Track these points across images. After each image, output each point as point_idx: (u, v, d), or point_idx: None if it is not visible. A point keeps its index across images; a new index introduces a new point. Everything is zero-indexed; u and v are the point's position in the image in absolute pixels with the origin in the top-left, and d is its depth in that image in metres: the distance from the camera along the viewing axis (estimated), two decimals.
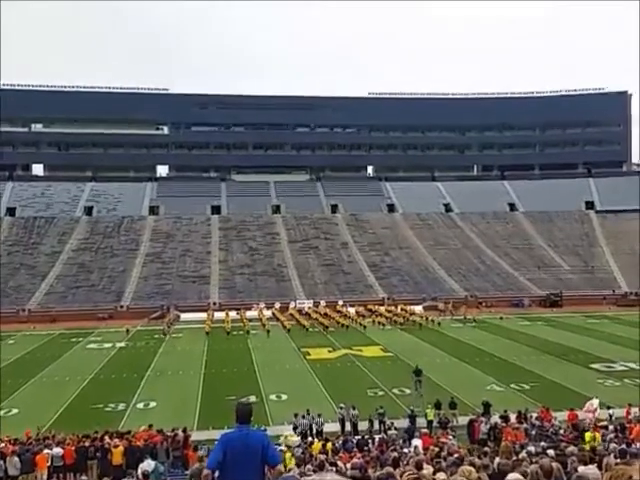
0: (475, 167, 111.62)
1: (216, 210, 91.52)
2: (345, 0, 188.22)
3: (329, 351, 41.15)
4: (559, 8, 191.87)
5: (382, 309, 59.78)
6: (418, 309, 60.16)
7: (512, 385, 30.01)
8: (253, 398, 28.46)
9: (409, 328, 49.93)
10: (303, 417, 23.01)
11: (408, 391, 28.84)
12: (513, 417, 22.98)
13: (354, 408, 24.01)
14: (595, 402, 23.38)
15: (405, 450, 16.96)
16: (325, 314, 56.89)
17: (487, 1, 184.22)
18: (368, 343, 43.79)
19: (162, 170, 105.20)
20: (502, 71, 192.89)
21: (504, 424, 21.77)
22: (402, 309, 59.94)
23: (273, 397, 28.77)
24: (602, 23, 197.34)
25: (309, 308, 61.73)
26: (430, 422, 23.60)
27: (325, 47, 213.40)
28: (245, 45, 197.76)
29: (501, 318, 54.10)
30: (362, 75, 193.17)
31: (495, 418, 22.86)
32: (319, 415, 23.08)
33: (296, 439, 20.66)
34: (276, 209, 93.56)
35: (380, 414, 23.38)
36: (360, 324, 49.77)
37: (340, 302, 63.35)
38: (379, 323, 51.09)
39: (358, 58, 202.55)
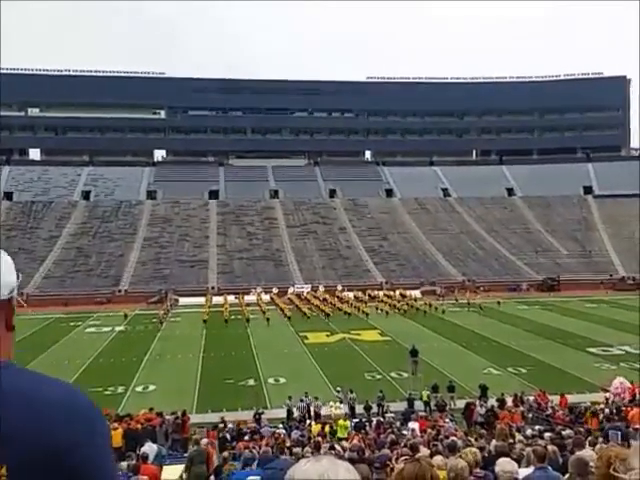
0: (474, 152, 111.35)
1: (214, 195, 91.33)
2: None
3: (327, 335, 41.29)
4: None
5: (380, 294, 59.89)
6: (416, 294, 60.29)
7: (509, 369, 30.19)
8: (252, 382, 28.62)
9: (409, 314, 50.02)
10: (301, 400, 23.13)
11: (406, 375, 29.00)
12: (510, 400, 23.15)
13: (352, 391, 24.13)
14: (619, 381, 23.14)
15: (405, 432, 17.07)
16: (324, 299, 57.02)
17: None
18: (366, 327, 43.88)
19: (159, 154, 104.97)
20: (501, 55, 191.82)
21: (500, 407, 21.93)
22: (401, 294, 60.06)
23: (271, 380, 28.92)
24: (602, 9, 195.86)
25: (308, 293, 61.82)
26: (426, 403, 23.75)
27: (323, 31, 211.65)
28: (242, 29, 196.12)
29: (499, 303, 54.25)
30: (361, 59, 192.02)
31: (492, 401, 23.01)
32: (316, 398, 23.20)
33: (342, 410, 20.89)
34: (274, 194, 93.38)
35: (379, 397, 23.51)
36: (362, 311, 49.51)
37: (339, 287, 63.43)
38: (381, 310, 50.88)
39: (356, 42, 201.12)
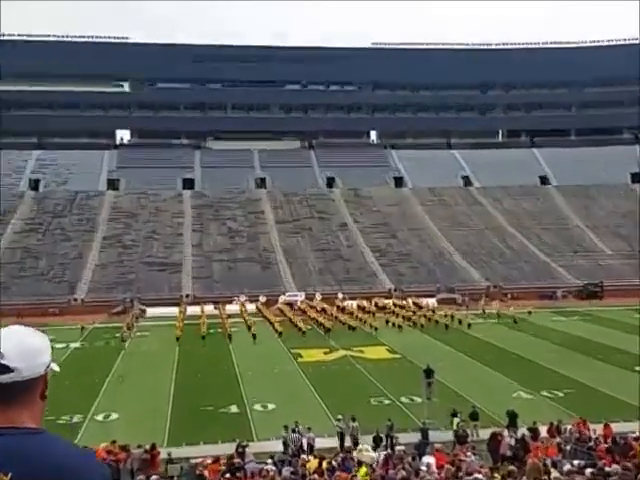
0: (499, 132, 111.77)
1: (188, 184, 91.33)
2: None
3: (325, 352, 41.28)
4: None
5: (390, 303, 59.96)
6: (431, 302, 60.40)
7: (543, 392, 30.23)
8: (234, 408, 28.61)
9: (426, 328, 50.00)
10: (294, 431, 23.11)
11: (419, 399, 28.99)
12: (544, 430, 23.16)
13: (354, 420, 24.13)
14: None
15: (422, 467, 17.08)
16: (323, 310, 57.07)
17: None
18: (371, 343, 43.90)
19: (122, 136, 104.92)
20: (531, 19, 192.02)
21: (533, 438, 21.94)
22: (415, 303, 60.13)
23: (258, 407, 28.91)
24: None
25: (302, 302, 61.85)
26: (457, 434, 23.60)
27: None
28: None
29: (530, 313, 54.36)
30: (365, 22, 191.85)
31: (522, 431, 23.03)
32: (309, 429, 23.21)
33: (373, 455, 20.47)
34: (261, 183, 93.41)
35: (388, 427, 23.50)
36: (370, 325, 49.39)
37: (339, 295, 63.49)
38: (393, 324, 50.69)
39: (360, 2, 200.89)
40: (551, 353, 38.76)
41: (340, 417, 24.83)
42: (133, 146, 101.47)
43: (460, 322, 50.72)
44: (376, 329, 48.24)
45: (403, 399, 29.59)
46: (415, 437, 23.56)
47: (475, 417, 24.86)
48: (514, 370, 34.99)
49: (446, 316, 52.00)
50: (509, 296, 64.66)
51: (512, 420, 24.23)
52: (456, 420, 24.14)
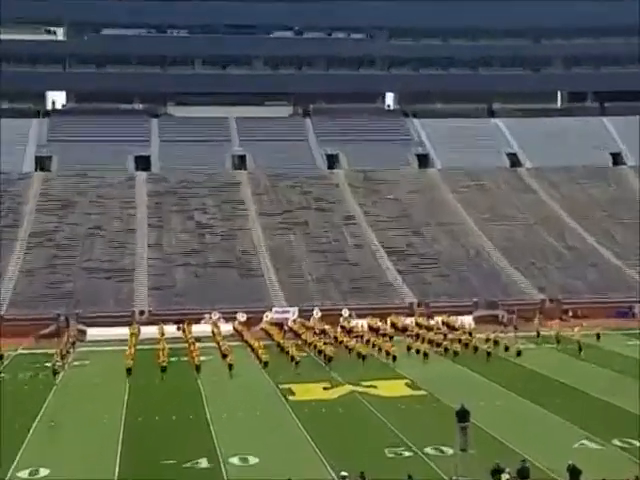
0: (558, 95, 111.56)
1: (143, 164, 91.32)
2: None
3: (325, 388, 41.14)
4: None
5: (411, 322, 59.85)
6: (467, 322, 60.36)
7: (615, 441, 30.15)
8: (204, 462, 28.56)
9: (462, 355, 50.01)
10: None
11: (450, 451, 28.97)
12: None
13: (364, 478, 24.09)
14: None
15: None
16: (322, 332, 56.91)
17: None
18: (387, 376, 43.77)
19: (56, 99, 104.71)
20: None
21: None
22: (444, 323, 59.99)
23: (235, 461, 28.80)
24: None
25: (294, 322, 61.75)
26: None
27: None
28: None
29: (598, 336, 54.24)
30: None
31: None
32: None
33: None
34: (240, 162, 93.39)
35: None
36: (387, 353, 49.17)
37: (345, 311, 63.42)
38: (417, 351, 50.48)
39: None
40: (625, 390, 38.63)
41: (345, 474, 24.76)
42: (69, 113, 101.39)
43: (507, 349, 50.68)
44: (394, 358, 48.13)
45: (428, 450, 29.50)
46: None
47: (525, 474, 24.78)
48: (577, 412, 34.86)
49: (488, 340, 51.98)
50: (570, 313, 64.68)
51: (574, 478, 24.21)
52: (504, 477, 24.08)
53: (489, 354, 49.31)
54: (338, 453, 28.87)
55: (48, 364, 47.54)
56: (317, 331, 57.78)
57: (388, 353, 49.06)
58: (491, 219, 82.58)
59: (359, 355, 48.81)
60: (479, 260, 75.48)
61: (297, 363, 47.16)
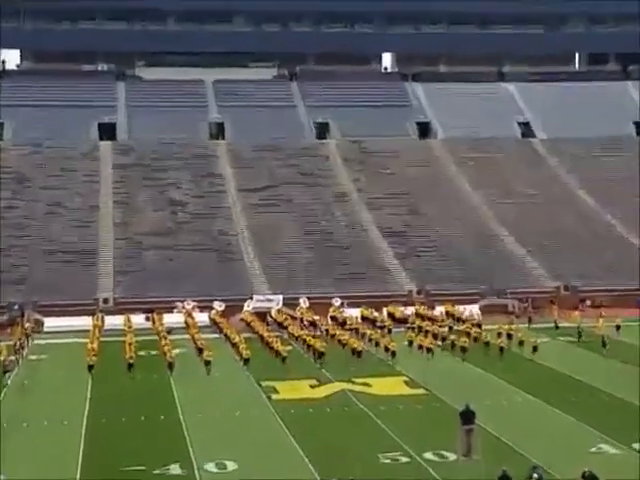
0: (576, 57, 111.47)
1: (108, 132, 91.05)
2: None
3: (312, 386, 41.27)
4: None
5: (411, 313, 59.87)
6: (475, 312, 60.57)
7: (635, 445, 30.33)
8: (176, 468, 28.59)
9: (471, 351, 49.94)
10: None
11: (453, 456, 29.08)
12: None
13: None
14: None
15: None
16: (312, 324, 56.97)
17: None
18: (382, 372, 43.93)
19: (8, 59, 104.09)
20: None
21: None
22: (448, 313, 60.10)
23: (211, 467, 28.84)
24: None
25: (279, 311, 61.85)
26: None
27: None
28: None
29: (618, 327, 54.47)
30: None
31: None
32: None
33: None
34: (217, 131, 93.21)
35: None
36: (386, 348, 48.84)
37: (336, 300, 63.48)
38: (419, 346, 50.22)
39: None
40: None
41: None
42: (24, 74, 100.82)
43: (521, 343, 50.34)
44: (393, 354, 47.78)
45: (428, 455, 29.57)
46: None
47: None
48: (595, 413, 35.02)
49: (500, 334, 51.72)
50: (588, 302, 64.90)
51: None
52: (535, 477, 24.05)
53: (502, 350, 49.22)
54: (327, 458, 28.89)
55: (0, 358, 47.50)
56: (306, 323, 57.83)
57: (387, 349, 48.58)
58: (500, 196, 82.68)
59: (354, 351, 48.47)
60: (486, 243, 75.60)
61: (284, 359, 46.99)
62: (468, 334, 52.39)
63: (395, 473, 26.93)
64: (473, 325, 55.38)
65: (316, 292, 65.81)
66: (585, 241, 75.98)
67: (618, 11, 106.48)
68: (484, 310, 62.34)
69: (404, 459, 29.40)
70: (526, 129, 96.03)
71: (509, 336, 51.72)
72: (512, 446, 30.31)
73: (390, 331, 54.71)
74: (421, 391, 39.85)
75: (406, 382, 41.87)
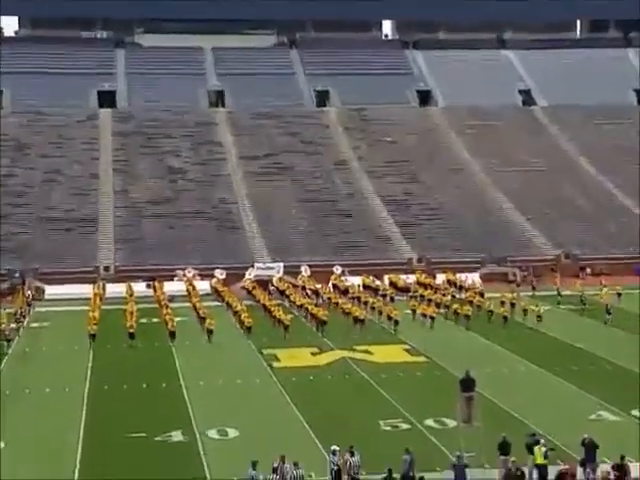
0: (577, 24, 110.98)
1: (107, 100, 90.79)
2: None
3: (313, 353, 41.50)
4: None
5: (413, 281, 59.94)
6: (477, 281, 60.82)
7: (634, 412, 30.47)
8: (178, 435, 28.72)
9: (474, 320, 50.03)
10: (274, 470, 23.02)
11: (453, 423, 29.22)
12: (635, 468, 23.39)
13: (353, 454, 24.26)
14: None
15: None
16: (315, 292, 57.06)
17: None
18: (383, 340, 44.17)
19: (6, 26, 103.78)
20: None
21: (620, 478, 22.17)
22: (450, 282, 60.21)
23: (213, 433, 29.00)
24: None
25: (280, 280, 61.89)
26: (541, 468, 23.56)
27: None
28: None
29: (619, 295, 54.63)
30: None
31: (604, 467, 23.27)
32: (295, 465, 23.31)
33: None
34: (217, 98, 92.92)
35: (407, 462, 23.60)
36: (389, 317, 48.75)
37: (337, 268, 63.55)
38: (423, 315, 50.17)
39: None
40: None
41: (335, 449, 24.97)
42: (22, 41, 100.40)
43: (525, 312, 50.30)
44: (396, 323, 47.74)
45: (429, 422, 29.75)
46: (445, 477, 23.76)
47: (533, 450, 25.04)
48: (595, 381, 35.24)
49: (503, 303, 51.74)
50: (588, 270, 65.04)
51: (590, 453, 24.42)
52: (541, 450, 23.99)
53: (506, 319, 49.25)
54: (327, 425, 29.05)
55: (2, 325, 47.50)
56: (308, 292, 57.87)
57: (389, 317, 48.50)
58: (500, 165, 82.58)
59: (356, 320, 48.27)
60: (487, 211, 75.63)
61: (286, 328, 46.75)
62: (471, 302, 52.50)
63: (395, 440, 27.04)
64: (476, 293, 55.49)
65: (316, 260, 65.89)
66: (585, 209, 76.05)
67: None
68: (484, 278, 62.52)
69: (405, 426, 29.60)
70: (527, 97, 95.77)
71: (512, 305, 51.66)
72: (512, 414, 30.52)
73: (392, 299, 54.77)
74: (422, 359, 40.11)
75: (407, 350, 42.08)
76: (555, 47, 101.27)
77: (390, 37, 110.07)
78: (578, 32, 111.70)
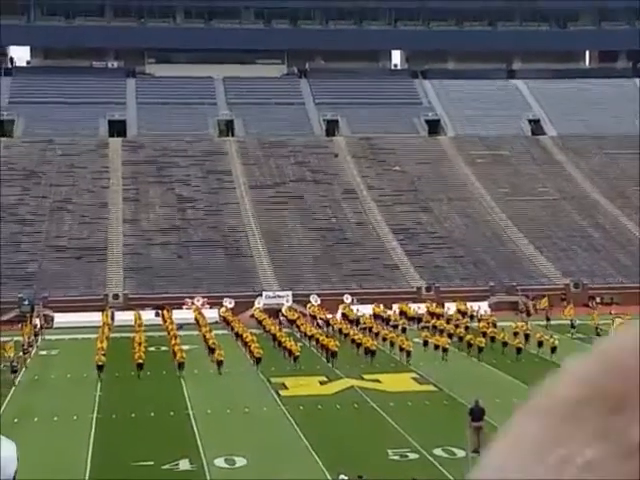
0: (587, 54, 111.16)
1: (118, 129, 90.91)
2: None
3: (321, 382, 41.52)
4: None
5: (423, 311, 59.84)
6: (489, 310, 60.72)
7: None
8: (185, 463, 28.66)
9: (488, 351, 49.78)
10: None
11: (462, 453, 29.10)
12: None
13: None
14: None
15: None
16: (326, 322, 56.83)
17: None
18: (391, 369, 44.26)
19: (19, 56, 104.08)
20: None
21: None
22: (460, 311, 60.09)
23: (220, 462, 28.96)
24: None
25: (289, 309, 61.76)
26: None
27: None
28: None
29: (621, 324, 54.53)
30: None
31: None
32: None
33: None
34: (227, 128, 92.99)
35: None
36: (401, 348, 47.91)
37: (346, 298, 63.43)
38: (435, 346, 49.25)
39: None
40: None
41: (344, 478, 24.90)
42: (34, 71, 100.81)
43: (540, 344, 49.09)
44: (408, 354, 46.91)
45: (438, 452, 29.66)
46: None
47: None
48: None
49: (517, 334, 50.84)
50: (597, 300, 64.83)
51: None
52: None
53: (519, 350, 48.23)
54: (336, 454, 28.98)
55: (7, 356, 47.25)
56: (320, 322, 57.63)
57: (402, 349, 47.61)
58: (510, 194, 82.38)
59: (367, 351, 47.50)
60: (496, 240, 75.40)
61: (296, 359, 46.32)
62: (484, 334, 51.53)
63: (404, 469, 27.00)
64: (489, 324, 54.63)
65: (325, 289, 65.74)
66: (595, 238, 75.82)
67: (628, 8, 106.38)
68: (493, 307, 62.25)
69: (413, 455, 29.50)
70: (536, 126, 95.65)
71: (526, 337, 50.62)
72: None
73: (405, 330, 54.19)
74: (431, 388, 40.06)
75: (415, 379, 41.99)
76: (564, 77, 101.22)
77: (399, 67, 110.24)
78: (587, 62, 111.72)
